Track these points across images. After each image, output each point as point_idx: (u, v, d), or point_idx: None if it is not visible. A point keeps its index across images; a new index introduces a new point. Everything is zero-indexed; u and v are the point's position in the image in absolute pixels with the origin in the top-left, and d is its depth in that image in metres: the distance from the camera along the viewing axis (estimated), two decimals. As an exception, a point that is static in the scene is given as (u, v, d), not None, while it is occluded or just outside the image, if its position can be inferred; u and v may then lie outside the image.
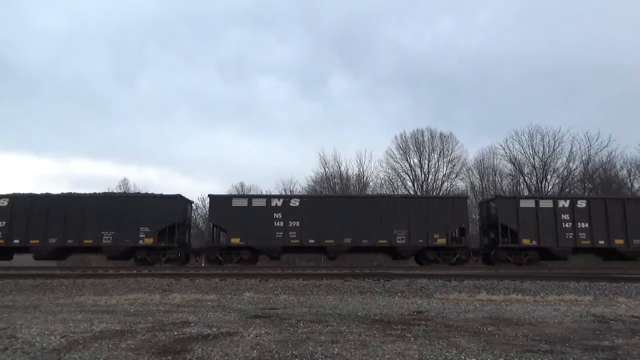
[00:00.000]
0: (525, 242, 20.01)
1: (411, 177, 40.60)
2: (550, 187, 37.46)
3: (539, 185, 37.46)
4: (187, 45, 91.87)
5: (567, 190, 35.92)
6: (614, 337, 5.18)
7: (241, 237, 19.92)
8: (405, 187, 39.92)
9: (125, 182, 46.70)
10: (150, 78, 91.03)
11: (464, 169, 40.60)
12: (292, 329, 5.55)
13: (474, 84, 75.20)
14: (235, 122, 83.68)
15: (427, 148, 40.59)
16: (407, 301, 8.97)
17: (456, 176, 40.37)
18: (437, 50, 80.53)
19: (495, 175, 40.14)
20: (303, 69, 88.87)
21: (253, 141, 77.32)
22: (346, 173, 41.96)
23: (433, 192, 38.04)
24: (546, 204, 20.53)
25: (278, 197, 21.42)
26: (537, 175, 37.97)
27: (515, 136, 38.90)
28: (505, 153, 38.91)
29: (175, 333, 5.27)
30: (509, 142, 38.88)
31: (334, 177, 41.74)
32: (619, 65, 67.02)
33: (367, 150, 75.99)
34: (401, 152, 41.01)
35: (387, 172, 41.04)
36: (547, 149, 37.82)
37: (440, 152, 40.47)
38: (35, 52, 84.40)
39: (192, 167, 74.27)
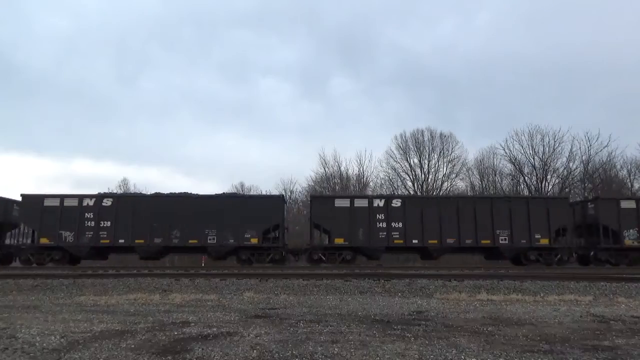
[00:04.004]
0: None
1: (411, 177, 40.62)
2: (550, 187, 37.47)
3: (539, 185, 37.46)
4: (189, 46, 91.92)
5: (567, 190, 35.91)
6: (614, 337, 5.18)
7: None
8: (405, 187, 39.93)
9: (125, 182, 46.65)
10: (152, 79, 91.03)
11: (464, 169, 40.60)
12: (292, 329, 5.55)
13: (474, 84, 75.20)
14: (236, 123, 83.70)
15: (427, 148, 40.59)
16: (407, 301, 8.97)
17: (456, 176, 40.38)
18: (438, 51, 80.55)
19: (495, 175, 40.15)
20: (305, 70, 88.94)
21: (254, 141, 77.35)
22: (346, 173, 41.97)
23: (433, 193, 38.03)
24: None
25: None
26: (537, 175, 37.97)
27: (515, 136, 38.91)
28: (505, 153, 38.93)
29: (175, 333, 5.27)
30: (509, 142, 38.89)
31: (334, 177, 41.74)
32: (619, 65, 67.08)
33: (367, 150, 76.07)
34: (401, 152, 41.02)
35: (387, 172, 41.05)
36: (547, 149, 37.83)
37: (440, 152, 40.47)
38: (38, 53, 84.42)
39: (193, 167, 74.24)
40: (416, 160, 40.54)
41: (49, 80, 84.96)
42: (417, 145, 40.71)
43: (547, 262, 19.92)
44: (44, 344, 4.63)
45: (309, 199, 21.09)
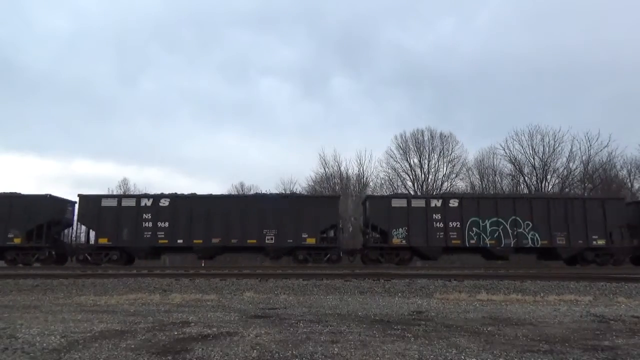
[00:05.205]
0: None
1: (411, 177, 40.63)
2: (550, 187, 37.46)
3: (539, 185, 37.45)
4: (189, 46, 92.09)
5: (567, 190, 35.90)
6: (614, 337, 5.18)
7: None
8: (405, 187, 39.92)
9: (125, 182, 46.73)
10: (152, 79, 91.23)
11: (464, 169, 40.61)
12: (292, 329, 5.55)
13: (474, 84, 75.33)
14: (236, 123, 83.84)
15: (427, 148, 40.61)
16: (407, 301, 8.97)
17: (456, 176, 40.38)
18: (438, 51, 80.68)
19: (495, 175, 40.15)
20: (305, 70, 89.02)
21: (254, 141, 77.44)
22: (346, 173, 41.99)
23: (433, 192, 38.00)
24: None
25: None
26: (537, 175, 37.96)
27: (515, 136, 38.90)
28: (505, 153, 38.92)
29: (175, 333, 5.26)
30: (509, 142, 38.89)
31: (334, 177, 41.76)
32: (619, 65, 67.10)
33: (367, 150, 76.03)
34: (401, 152, 41.04)
35: (387, 172, 41.06)
36: (547, 149, 37.81)
37: (440, 152, 40.49)
38: (39, 53, 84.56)
39: (193, 167, 74.38)
40: (416, 160, 40.60)
41: (49, 80, 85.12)
42: (417, 145, 40.76)
43: (317, 261, 19.82)
44: (44, 344, 4.63)
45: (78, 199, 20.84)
